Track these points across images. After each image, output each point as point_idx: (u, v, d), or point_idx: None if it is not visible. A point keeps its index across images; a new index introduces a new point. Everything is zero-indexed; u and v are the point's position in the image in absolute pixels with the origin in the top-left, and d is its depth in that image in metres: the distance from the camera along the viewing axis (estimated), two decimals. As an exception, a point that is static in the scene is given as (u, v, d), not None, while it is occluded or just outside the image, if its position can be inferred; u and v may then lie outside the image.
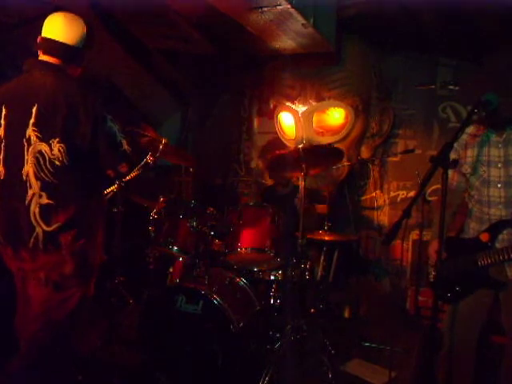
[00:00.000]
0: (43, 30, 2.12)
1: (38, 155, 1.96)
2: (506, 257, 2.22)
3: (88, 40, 2.15)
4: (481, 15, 3.42)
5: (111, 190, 3.03)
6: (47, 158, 1.95)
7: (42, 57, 2.12)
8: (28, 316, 2.08)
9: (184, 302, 2.83)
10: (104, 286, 3.33)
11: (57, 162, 1.96)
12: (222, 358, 2.71)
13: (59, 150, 1.95)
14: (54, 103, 1.96)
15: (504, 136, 2.32)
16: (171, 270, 3.41)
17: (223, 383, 2.76)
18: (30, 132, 1.96)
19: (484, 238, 2.34)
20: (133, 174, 2.96)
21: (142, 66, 4.74)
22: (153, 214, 3.20)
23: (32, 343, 2.08)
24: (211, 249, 3.25)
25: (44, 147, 1.95)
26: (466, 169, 2.43)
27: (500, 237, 2.30)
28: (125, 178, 3.03)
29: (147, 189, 3.67)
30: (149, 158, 2.90)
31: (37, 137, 1.96)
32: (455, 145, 2.43)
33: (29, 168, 1.97)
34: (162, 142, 2.96)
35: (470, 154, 2.41)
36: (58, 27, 2.09)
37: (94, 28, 2.20)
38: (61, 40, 2.08)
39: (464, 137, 2.45)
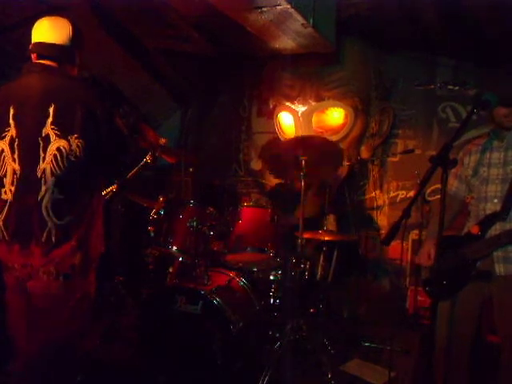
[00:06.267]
0: (32, 38, 2.17)
1: (56, 152, 2.02)
2: (493, 246, 2.26)
3: (76, 38, 2.18)
4: (481, 15, 3.43)
5: (110, 190, 3.03)
6: (64, 155, 2.02)
7: (37, 61, 2.16)
8: (29, 314, 2.08)
9: (184, 302, 2.83)
10: (104, 286, 3.32)
11: (72, 158, 2.03)
12: (221, 358, 2.71)
13: (77, 146, 2.03)
14: (70, 103, 2.04)
15: (506, 141, 2.39)
16: (171, 270, 3.41)
17: (223, 383, 2.77)
18: (48, 130, 2.03)
19: (474, 230, 2.38)
20: (132, 174, 2.96)
21: (142, 66, 4.74)
22: (152, 214, 3.20)
23: (34, 341, 2.07)
24: (211, 249, 3.25)
25: (63, 143, 2.02)
26: (469, 172, 2.51)
27: (490, 229, 2.34)
28: (124, 177, 3.03)
29: (147, 189, 3.68)
30: (148, 158, 2.90)
31: (56, 134, 2.02)
32: (464, 158, 2.53)
33: (46, 165, 2.02)
34: (161, 142, 2.96)
35: (474, 159, 2.50)
36: (44, 30, 2.14)
37: (83, 27, 2.22)
38: (49, 41, 2.13)
39: (468, 146, 2.55)
